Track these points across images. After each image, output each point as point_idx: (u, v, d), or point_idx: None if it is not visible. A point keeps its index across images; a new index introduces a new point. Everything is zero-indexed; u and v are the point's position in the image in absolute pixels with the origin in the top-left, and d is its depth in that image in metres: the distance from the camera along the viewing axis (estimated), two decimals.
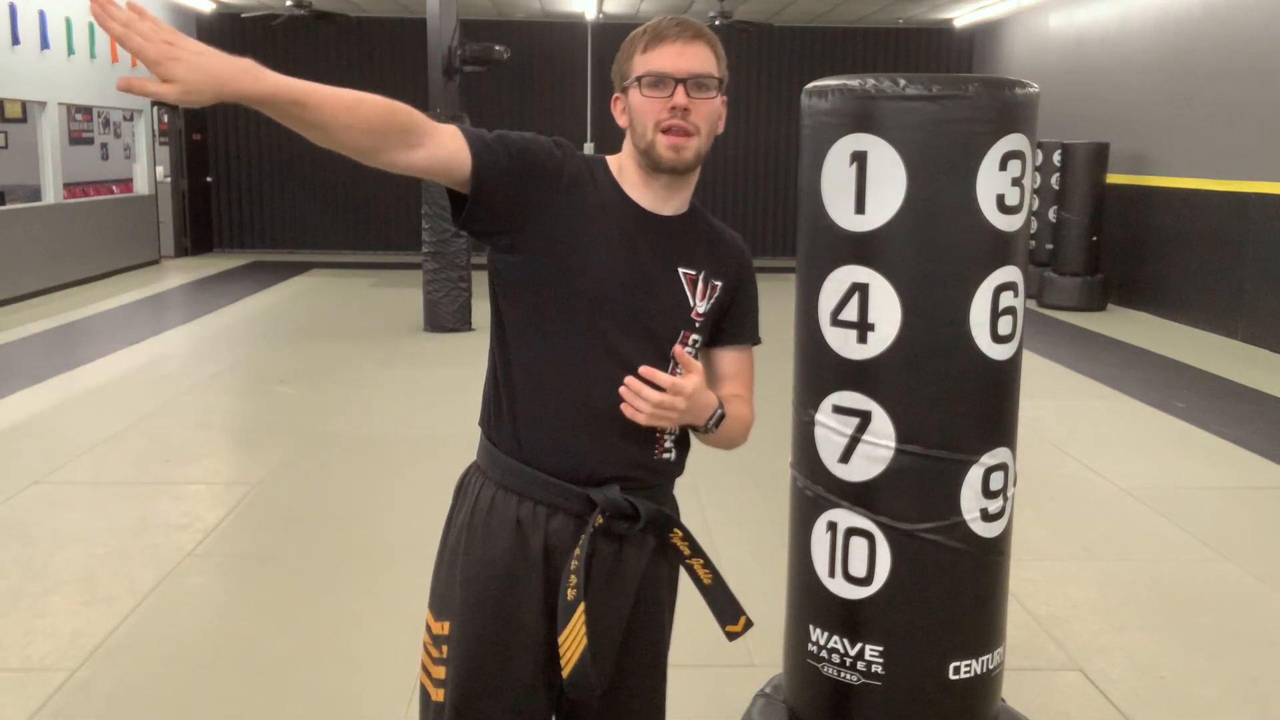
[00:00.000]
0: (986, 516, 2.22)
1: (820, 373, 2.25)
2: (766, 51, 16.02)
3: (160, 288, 12.20)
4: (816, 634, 2.31)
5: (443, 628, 1.84)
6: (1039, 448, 5.91)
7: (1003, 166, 2.10)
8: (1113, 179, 11.39)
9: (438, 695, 1.85)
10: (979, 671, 2.27)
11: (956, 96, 2.06)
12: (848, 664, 2.26)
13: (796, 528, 2.37)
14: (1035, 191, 10.44)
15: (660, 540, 1.88)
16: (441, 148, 1.67)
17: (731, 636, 1.97)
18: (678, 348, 1.79)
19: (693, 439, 1.95)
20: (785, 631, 2.47)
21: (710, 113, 1.79)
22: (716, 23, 13.61)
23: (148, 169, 14.08)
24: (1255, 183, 9.35)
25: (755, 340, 2.01)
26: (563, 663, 1.74)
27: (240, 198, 16.15)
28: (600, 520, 1.77)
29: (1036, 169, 10.10)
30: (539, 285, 1.77)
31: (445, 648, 1.83)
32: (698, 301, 1.85)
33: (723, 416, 1.84)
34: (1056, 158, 11.43)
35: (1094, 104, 12.20)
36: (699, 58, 1.76)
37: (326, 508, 4.94)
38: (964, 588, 2.24)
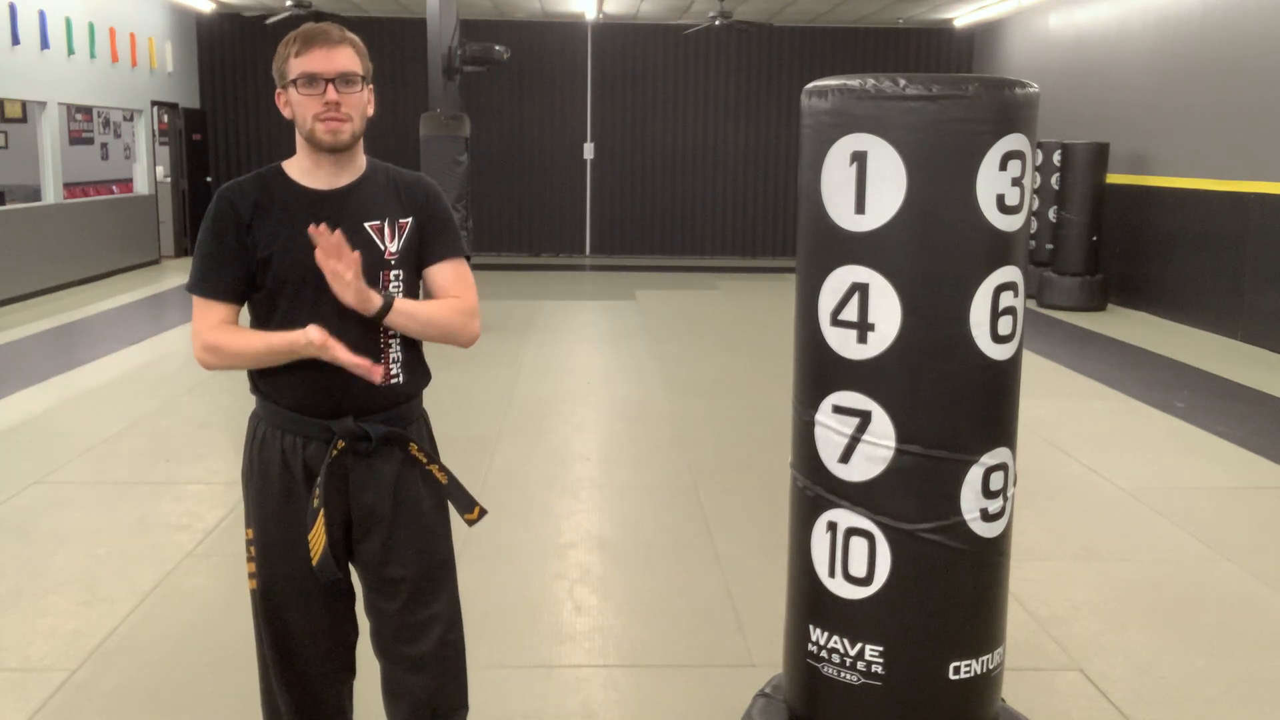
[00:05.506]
0: (986, 516, 2.22)
1: (820, 373, 2.25)
2: (766, 51, 16.01)
3: (160, 288, 12.19)
4: (816, 634, 2.31)
5: (250, 534, 2.31)
6: (1039, 448, 5.91)
7: (1003, 166, 2.10)
8: (1113, 179, 11.39)
9: (252, 584, 2.32)
10: (979, 671, 2.28)
11: (956, 96, 2.06)
12: (848, 664, 2.26)
13: (796, 528, 2.38)
14: (1035, 191, 10.47)
15: (405, 452, 2.28)
16: (231, 312, 2.20)
17: (470, 523, 2.38)
18: (320, 229, 2.06)
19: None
20: (785, 631, 2.47)
21: (359, 103, 2.17)
22: (716, 23, 13.58)
23: (148, 169, 14.08)
24: (1255, 183, 9.35)
25: (458, 254, 2.33)
26: (311, 554, 2.19)
27: None
28: (341, 445, 2.19)
29: (1036, 169, 10.12)
30: (266, 286, 2.18)
31: (253, 549, 2.30)
32: (388, 243, 2.22)
33: (391, 299, 2.16)
34: (1056, 158, 11.43)
35: (1094, 104, 12.19)
36: (344, 59, 2.14)
37: None
38: (964, 588, 2.24)
